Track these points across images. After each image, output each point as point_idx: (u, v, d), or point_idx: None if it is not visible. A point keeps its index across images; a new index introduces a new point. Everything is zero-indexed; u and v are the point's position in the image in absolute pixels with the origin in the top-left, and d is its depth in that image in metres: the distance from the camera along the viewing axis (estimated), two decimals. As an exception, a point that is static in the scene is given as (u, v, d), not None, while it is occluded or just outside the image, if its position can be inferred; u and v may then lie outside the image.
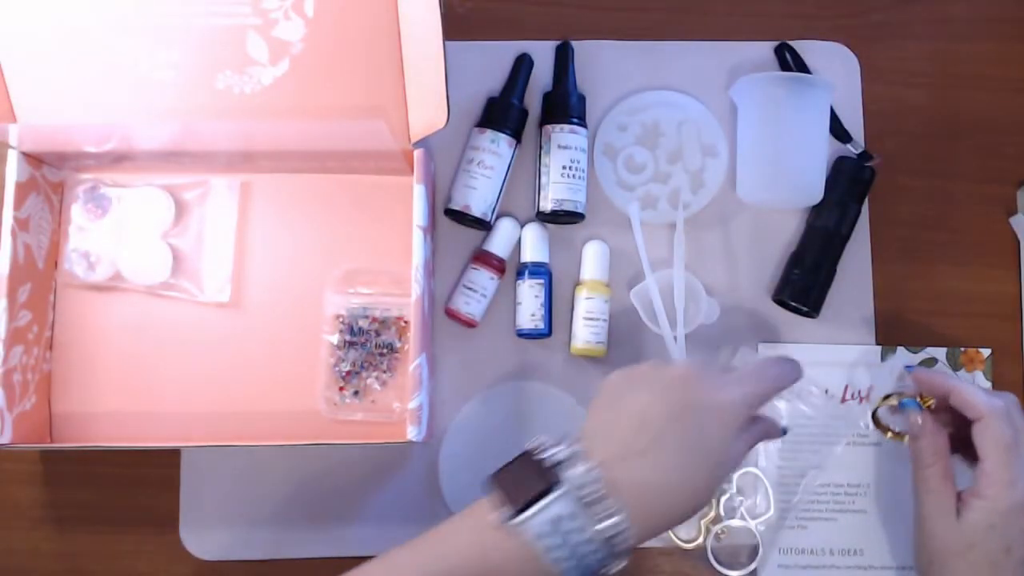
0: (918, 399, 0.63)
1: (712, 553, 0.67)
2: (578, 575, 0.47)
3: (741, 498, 0.68)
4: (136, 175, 0.69)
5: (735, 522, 0.67)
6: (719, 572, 0.67)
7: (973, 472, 0.59)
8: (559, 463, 0.48)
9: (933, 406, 0.63)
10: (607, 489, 0.47)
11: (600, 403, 0.52)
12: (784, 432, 0.58)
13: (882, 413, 0.67)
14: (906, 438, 0.65)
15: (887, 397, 0.66)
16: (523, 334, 0.68)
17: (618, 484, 0.47)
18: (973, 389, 0.60)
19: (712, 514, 0.67)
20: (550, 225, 0.70)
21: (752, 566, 0.67)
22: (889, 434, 0.67)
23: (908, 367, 0.66)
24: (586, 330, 0.67)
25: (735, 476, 0.68)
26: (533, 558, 0.47)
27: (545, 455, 0.49)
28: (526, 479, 0.48)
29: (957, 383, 0.60)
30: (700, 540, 0.67)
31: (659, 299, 0.66)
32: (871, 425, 0.68)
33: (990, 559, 0.56)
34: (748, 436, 0.53)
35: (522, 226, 0.70)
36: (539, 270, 0.68)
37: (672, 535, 0.67)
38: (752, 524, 0.67)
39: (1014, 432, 0.58)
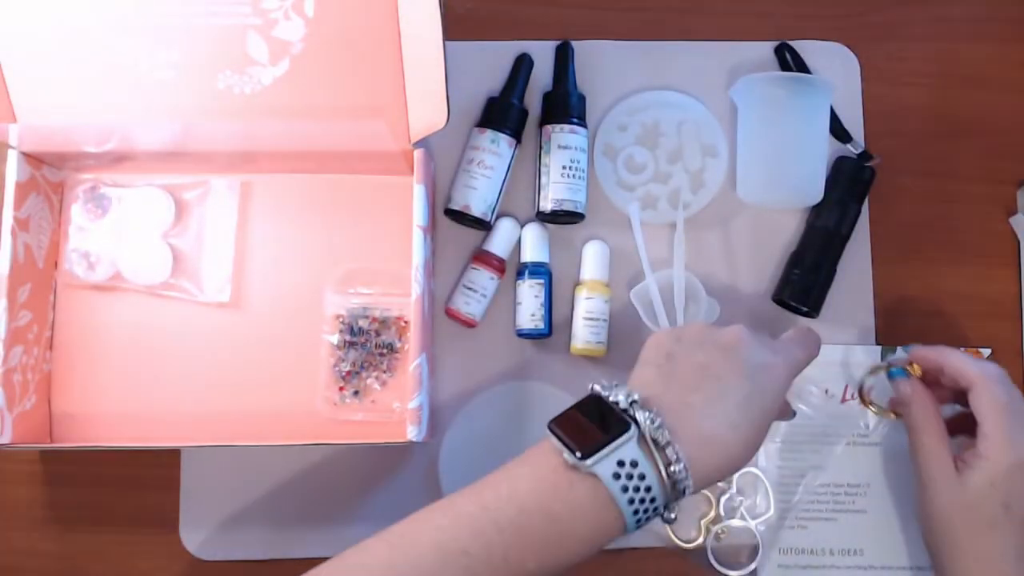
0: (906, 368, 0.63)
1: (712, 553, 0.67)
2: (638, 520, 0.48)
3: (741, 498, 0.68)
4: (136, 175, 0.69)
5: (735, 522, 0.67)
6: (719, 572, 0.67)
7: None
8: (624, 409, 0.49)
9: (920, 374, 0.63)
10: (672, 436, 0.48)
11: (650, 357, 0.53)
12: (793, 415, 0.61)
13: (869, 386, 0.67)
14: (892, 414, 0.66)
15: (874, 370, 0.66)
16: (523, 334, 0.68)
17: (680, 432, 0.48)
18: (965, 358, 0.61)
19: (712, 514, 0.67)
20: (550, 225, 0.70)
21: (752, 566, 0.67)
22: (874, 408, 0.67)
23: (905, 347, 0.65)
24: (586, 330, 0.67)
25: (735, 476, 0.68)
26: (603, 501, 0.47)
27: (612, 399, 0.49)
28: (592, 424, 0.48)
29: (949, 354, 0.61)
30: (700, 540, 0.67)
31: (659, 299, 0.66)
32: (857, 397, 0.68)
33: (990, 517, 0.57)
34: (783, 404, 0.55)
35: (522, 226, 0.70)
36: (539, 270, 0.68)
37: (672, 535, 0.67)
38: (752, 524, 0.67)
39: (1009, 394, 0.59)
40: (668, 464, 0.48)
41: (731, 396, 0.51)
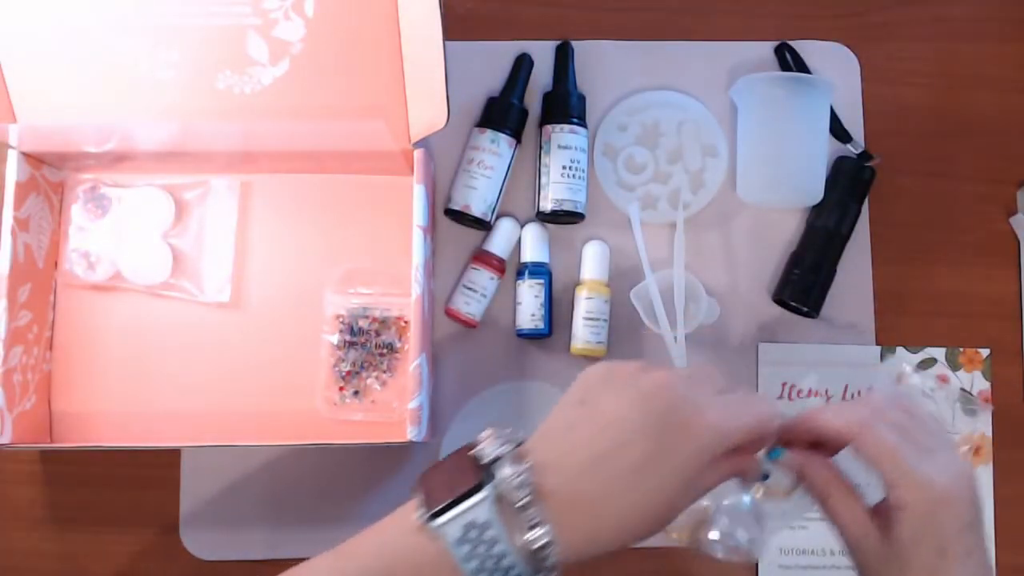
0: (778, 447, 0.53)
1: (709, 546, 0.65)
2: None
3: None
4: (136, 175, 0.69)
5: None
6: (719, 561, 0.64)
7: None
8: (492, 461, 0.43)
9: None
10: (536, 496, 0.42)
11: (569, 398, 0.46)
12: (765, 477, 0.51)
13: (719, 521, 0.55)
14: (792, 493, 0.55)
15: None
16: (523, 334, 0.68)
17: (552, 492, 0.42)
18: (830, 413, 0.51)
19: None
20: (550, 225, 0.70)
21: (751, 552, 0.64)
22: (721, 550, 0.55)
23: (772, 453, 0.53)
24: (586, 330, 0.67)
25: None
26: (449, 567, 0.41)
27: (479, 451, 0.44)
28: (452, 477, 0.43)
29: (812, 418, 0.52)
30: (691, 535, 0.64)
31: (659, 299, 0.66)
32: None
33: (929, 567, 0.49)
34: (722, 469, 0.46)
35: (522, 226, 0.70)
36: (539, 270, 0.68)
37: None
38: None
39: (898, 432, 0.50)
40: (525, 529, 0.41)
41: (627, 454, 0.43)
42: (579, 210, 0.68)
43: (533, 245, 0.69)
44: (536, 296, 0.68)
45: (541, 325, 0.68)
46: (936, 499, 0.48)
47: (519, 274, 0.69)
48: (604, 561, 0.67)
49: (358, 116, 0.64)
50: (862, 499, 0.51)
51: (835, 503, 0.51)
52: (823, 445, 0.52)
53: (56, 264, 0.68)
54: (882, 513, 0.50)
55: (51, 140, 0.64)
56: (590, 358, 0.69)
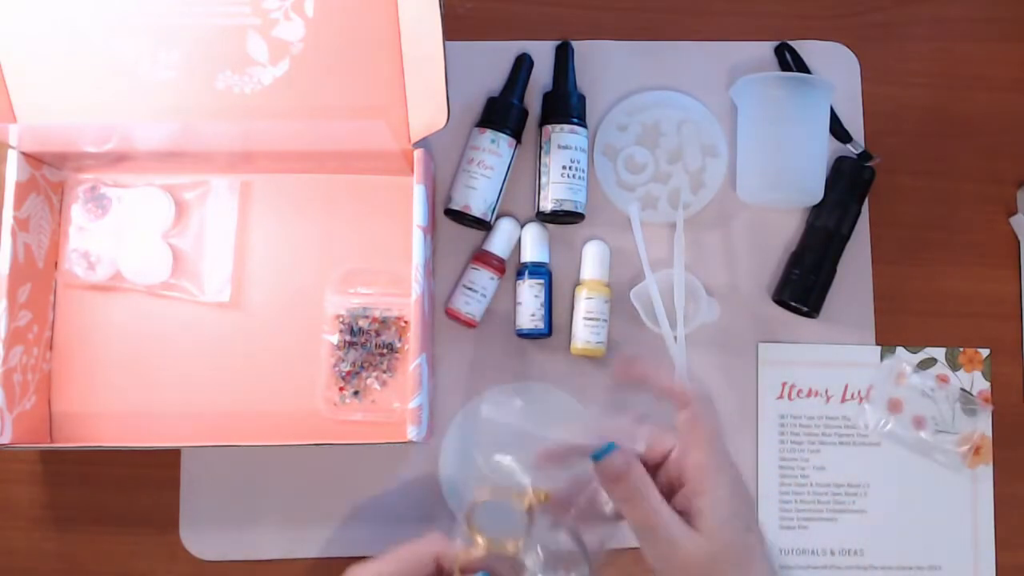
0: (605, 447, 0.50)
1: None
2: None
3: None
4: (136, 175, 0.69)
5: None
6: None
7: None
8: None
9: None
10: None
11: None
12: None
13: (479, 514, 0.51)
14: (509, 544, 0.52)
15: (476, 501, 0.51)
16: (523, 334, 0.68)
17: None
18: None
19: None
20: (550, 225, 0.70)
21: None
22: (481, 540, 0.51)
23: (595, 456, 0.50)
24: (587, 330, 0.67)
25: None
26: None
27: None
28: None
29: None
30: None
31: (659, 299, 0.66)
32: (868, 425, 0.68)
33: (743, 549, 0.48)
34: None
35: (522, 226, 0.70)
36: (539, 270, 0.68)
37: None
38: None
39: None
40: None
41: None
42: (579, 210, 0.68)
43: (533, 245, 0.69)
44: (536, 296, 0.68)
45: (541, 325, 0.68)
46: (735, 514, 0.48)
47: (519, 274, 0.69)
48: (604, 561, 0.68)
49: (358, 116, 0.64)
50: (671, 513, 0.49)
51: (653, 501, 0.49)
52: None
53: (56, 264, 0.68)
54: (688, 509, 0.49)
55: (51, 140, 0.64)
56: (590, 358, 0.69)
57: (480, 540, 0.51)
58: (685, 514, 0.49)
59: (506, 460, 0.54)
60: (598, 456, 0.50)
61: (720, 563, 0.48)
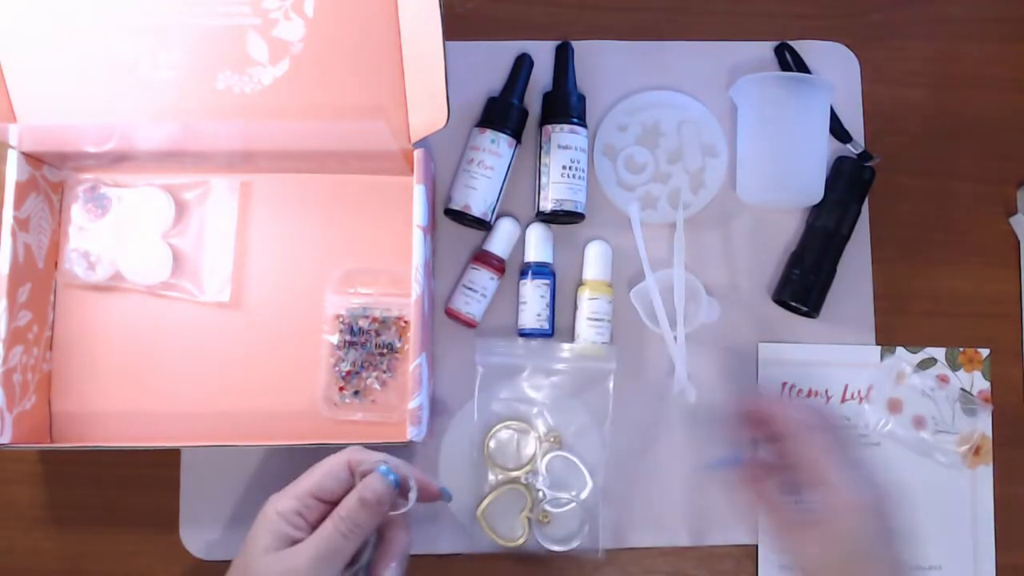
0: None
1: (544, 538, 0.66)
2: None
3: (545, 487, 0.67)
4: (136, 175, 0.69)
5: (551, 507, 0.67)
6: (555, 552, 0.66)
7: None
8: None
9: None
10: None
11: None
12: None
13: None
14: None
15: None
16: (525, 333, 0.68)
17: None
18: (776, 406, 0.59)
19: (528, 506, 0.66)
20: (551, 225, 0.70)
21: (577, 542, 0.66)
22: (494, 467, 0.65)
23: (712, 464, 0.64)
24: (591, 330, 0.67)
25: (544, 460, 0.67)
26: None
27: None
28: None
29: (760, 400, 0.60)
30: (525, 535, 0.66)
31: (659, 299, 0.66)
32: (868, 425, 0.68)
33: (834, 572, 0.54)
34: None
35: (525, 226, 0.70)
36: (543, 270, 0.68)
37: (496, 538, 0.66)
38: (570, 502, 0.66)
39: (823, 442, 0.56)
40: None
41: None
42: (579, 210, 0.68)
43: (537, 245, 0.69)
44: (542, 296, 0.68)
45: (546, 325, 0.68)
46: (845, 508, 0.54)
47: (522, 274, 0.69)
48: (604, 561, 0.68)
49: (358, 116, 0.64)
50: (794, 509, 0.57)
51: (768, 510, 0.58)
52: (761, 427, 0.60)
53: (56, 264, 0.68)
54: (805, 522, 0.55)
55: (51, 140, 0.64)
56: (591, 358, 0.69)
57: (494, 467, 0.64)
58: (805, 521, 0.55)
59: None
60: (712, 466, 0.63)
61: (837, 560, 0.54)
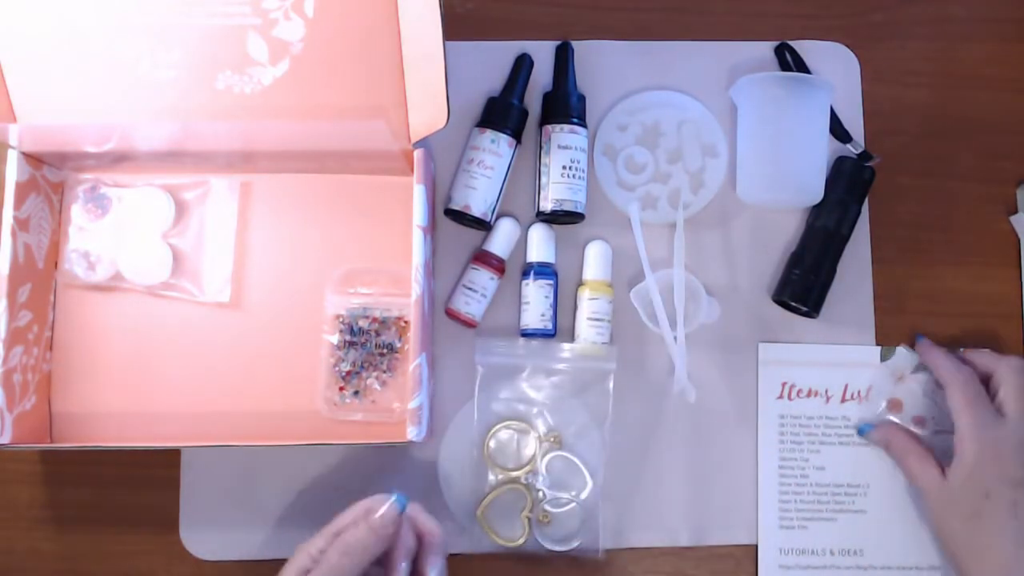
0: (869, 422, 0.69)
1: (544, 538, 0.66)
2: None
3: (545, 487, 0.67)
4: (136, 175, 0.69)
5: (551, 507, 0.67)
6: (555, 552, 0.66)
7: None
8: None
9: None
10: None
11: None
12: None
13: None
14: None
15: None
16: (528, 334, 0.68)
17: None
18: (942, 359, 0.66)
19: (528, 506, 0.67)
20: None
21: (576, 543, 0.66)
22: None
23: (903, 348, 0.70)
24: (591, 330, 0.67)
25: (544, 460, 0.67)
26: None
27: None
28: None
29: (929, 355, 0.68)
30: (525, 535, 0.66)
31: (659, 299, 0.66)
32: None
33: (973, 509, 0.60)
34: None
35: (528, 227, 0.70)
36: (545, 270, 0.68)
37: (496, 538, 0.66)
38: (570, 502, 0.67)
39: (975, 394, 0.63)
40: None
41: None
42: (579, 210, 0.68)
43: (539, 245, 0.69)
44: (546, 296, 0.68)
45: (550, 325, 0.68)
46: (983, 451, 0.61)
47: (524, 274, 0.69)
48: (604, 561, 0.68)
49: (358, 116, 0.64)
50: (931, 456, 0.64)
51: (911, 461, 0.65)
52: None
53: (56, 264, 0.68)
54: (948, 464, 0.62)
55: (51, 140, 0.64)
56: (592, 358, 0.69)
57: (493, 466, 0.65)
58: (948, 464, 0.63)
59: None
60: (861, 431, 0.69)
61: (949, 508, 0.62)
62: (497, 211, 0.69)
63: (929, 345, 0.68)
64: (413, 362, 0.61)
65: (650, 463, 0.68)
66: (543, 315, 0.67)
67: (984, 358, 0.66)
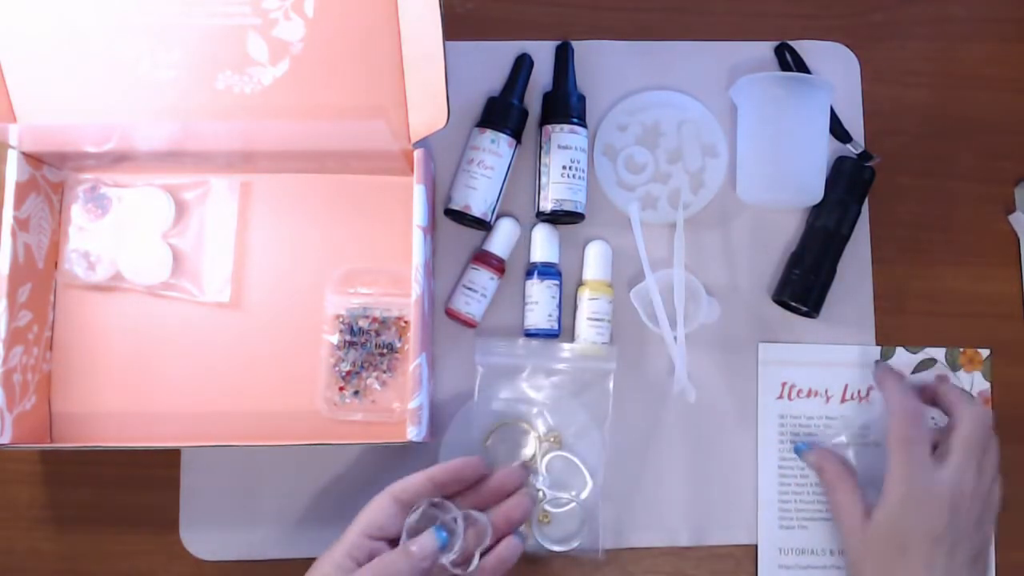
0: (807, 442, 0.68)
1: (544, 538, 0.66)
2: None
3: (545, 487, 0.67)
4: (136, 175, 0.69)
5: (551, 507, 0.67)
6: (555, 552, 0.66)
7: None
8: None
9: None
10: None
11: None
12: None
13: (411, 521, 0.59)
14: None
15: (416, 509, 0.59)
16: (533, 333, 0.68)
17: None
18: (893, 390, 0.63)
19: None
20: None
21: (576, 542, 0.66)
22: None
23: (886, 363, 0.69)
24: (591, 330, 0.67)
25: (544, 460, 0.67)
26: None
27: None
28: None
29: (883, 385, 0.65)
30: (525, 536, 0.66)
31: (659, 299, 0.66)
32: (868, 425, 0.68)
33: (887, 562, 0.58)
34: None
35: (530, 227, 0.70)
36: (550, 270, 0.68)
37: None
38: (570, 502, 0.66)
39: (916, 432, 0.60)
40: None
41: None
42: (579, 210, 0.68)
43: (543, 245, 0.69)
44: (553, 297, 0.68)
45: (555, 325, 0.68)
46: (909, 496, 0.58)
47: (528, 274, 0.69)
48: (604, 561, 0.68)
49: (358, 116, 0.64)
50: (861, 495, 0.62)
51: (838, 496, 0.63)
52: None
53: (56, 264, 0.68)
54: (874, 503, 0.60)
55: (51, 140, 0.64)
56: (592, 357, 0.69)
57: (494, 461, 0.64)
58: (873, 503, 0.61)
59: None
60: (798, 449, 0.67)
61: (864, 555, 0.59)
62: (497, 211, 0.69)
63: (887, 371, 0.67)
64: (413, 362, 0.61)
65: (650, 463, 0.68)
66: (550, 315, 0.67)
67: (951, 395, 0.64)
